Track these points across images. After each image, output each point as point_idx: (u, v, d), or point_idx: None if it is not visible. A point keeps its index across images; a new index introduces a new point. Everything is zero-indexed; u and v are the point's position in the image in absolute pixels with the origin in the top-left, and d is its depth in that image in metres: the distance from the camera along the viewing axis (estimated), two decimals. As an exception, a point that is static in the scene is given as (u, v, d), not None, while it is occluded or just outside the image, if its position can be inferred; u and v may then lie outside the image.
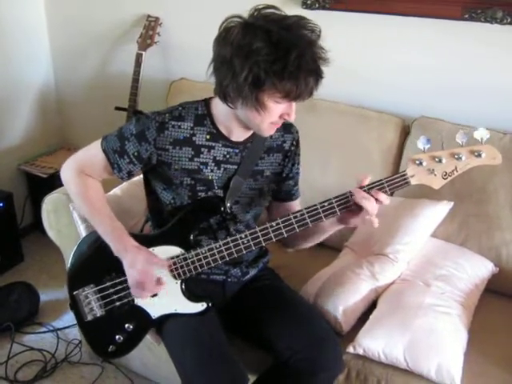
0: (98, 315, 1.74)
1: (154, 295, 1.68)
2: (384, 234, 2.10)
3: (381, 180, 1.50)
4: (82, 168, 1.70)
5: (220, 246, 1.60)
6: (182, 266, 1.64)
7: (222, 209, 1.66)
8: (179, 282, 1.67)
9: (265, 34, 1.37)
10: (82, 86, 3.25)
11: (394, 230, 2.08)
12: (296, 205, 1.85)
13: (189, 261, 1.63)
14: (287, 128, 1.73)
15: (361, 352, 1.77)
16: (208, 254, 1.61)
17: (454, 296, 1.92)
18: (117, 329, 1.73)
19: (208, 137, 1.63)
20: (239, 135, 1.64)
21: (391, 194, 1.52)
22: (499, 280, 2.08)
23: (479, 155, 1.47)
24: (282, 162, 1.76)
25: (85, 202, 1.70)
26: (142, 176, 1.79)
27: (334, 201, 1.53)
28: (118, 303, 1.71)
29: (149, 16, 2.81)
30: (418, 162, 1.48)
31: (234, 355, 1.63)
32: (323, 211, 1.53)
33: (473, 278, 2.01)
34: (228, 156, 1.66)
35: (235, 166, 1.67)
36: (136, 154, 1.62)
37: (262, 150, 1.70)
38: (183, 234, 1.65)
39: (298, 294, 1.89)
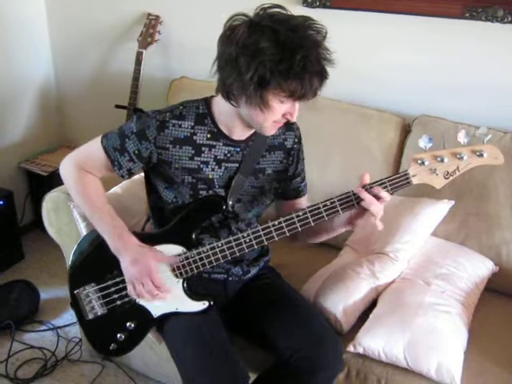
0: (100, 314, 1.74)
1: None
2: (384, 233, 2.09)
3: (383, 179, 1.51)
4: (82, 164, 1.70)
5: (222, 245, 1.60)
6: (183, 265, 1.64)
7: (224, 207, 1.66)
8: (181, 280, 1.67)
9: (271, 33, 1.37)
10: (83, 83, 3.24)
11: (395, 229, 2.08)
12: (304, 201, 1.86)
13: (191, 260, 1.63)
14: (288, 126, 1.73)
15: (361, 351, 1.77)
16: (210, 252, 1.61)
17: (454, 295, 1.92)
18: (118, 327, 1.73)
19: (209, 136, 1.63)
20: (240, 134, 1.64)
21: (392, 194, 1.53)
22: (499, 279, 2.09)
23: (481, 155, 1.47)
24: (285, 160, 1.76)
25: (84, 198, 1.70)
26: (142, 175, 1.79)
27: (336, 200, 1.53)
28: (119, 302, 1.72)
29: (149, 14, 2.81)
30: (420, 161, 1.48)
31: (234, 354, 1.63)
32: (325, 210, 1.53)
33: (473, 277, 2.01)
34: (229, 155, 1.66)
35: (236, 165, 1.67)
36: (136, 152, 1.62)
37: (264, 148, 1.70)
38: (185, 233, 1.65)
39: (299, 292, 1.89)
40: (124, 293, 1.70)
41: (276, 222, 1.56)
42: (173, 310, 1.69)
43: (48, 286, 2.85)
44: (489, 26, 2.15)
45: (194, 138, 1.62)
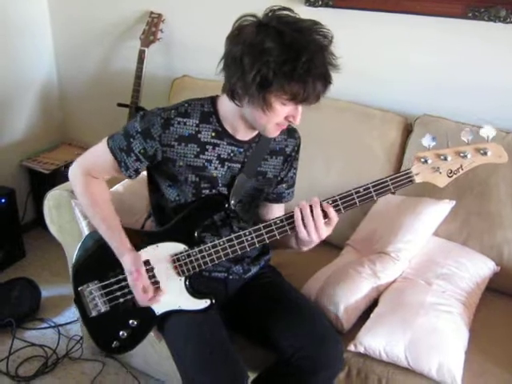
0: (103, 311, 1.74)
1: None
2: (386, 233, 2.10)
3: (385, 178, 1.51)
4: (89, 170, 1.71)
5: (224, 243, 1.60)
6: (185, 263, 1.64)
7: (226, 205, 1.66)
8: (183, 278, 1.67)
9: (277, 34, 1.37)
10: (85, 82, 3.25)
11: (396, 229, 2.08)
12: (280, 209, 1.87)
13: (192, 257, 1.63)
14: (291, 133, 1.74)
15: (362, 350, 1.77)
16: (212, 250, 1.61)
17: (455, 295, 1.92)
18: (121, 325, 1.74)
19: (213, 134, 1.63)
20: (245, 134, 1.65)
21: (394, 192, 1.52)
22: (501, 279, 2.09)
23: (485, 153, 1.46)
24: (282, 165, 1.77)
25: (89, 204, 1.71)
26: (145, 173, 1.79)
27: (338, 198, 1.54)
28: (122, 299, 1.72)
29: (152, 13, 2.81)
30: (423, 159, 1.48)
31: (234, 353, 1.63)
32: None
33: (474, 277, 2.01)
34: (232, 154, 1.66)
35: (238, 165, 1.67)
36: (142, 151, 1.62)
37: (266, 152, 1.71)
38: (188, 231, 1.66)
39: (300, 291, 1.90)
40: (127, 290, 1.70)
41: (277, 220, 1.57)
42: (176, 307, 1.69)
43: (49, 283, 2.85)
44: (491, 26, 2.15)
45: (199, 135, 1.62)
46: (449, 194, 2.09)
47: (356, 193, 1.52)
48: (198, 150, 1.63)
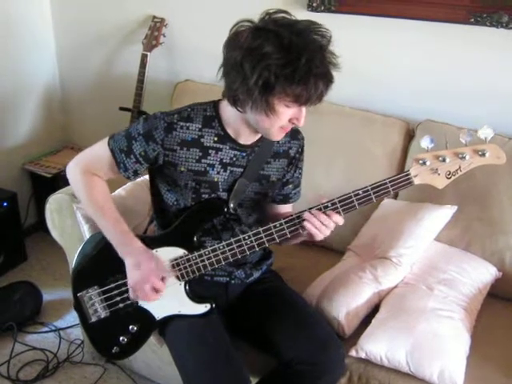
0: (102, 316, 1.74)
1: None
2: (387, 238, 2.10)
3: (384, 180, 1.51)
4: (88, 167, 1.70)
5: (223, 247, 1.60)
6: (185, 268, 1.64)
7: (226, 209, 1.66)
8: (183, 283, 1.67)
9: (276, 38, 1.37)
10: (87, 86, 3.25)
11: (398, 234, 2.08)
12: (288, 208, 1.87)
13: (192, 262, 1.63)
14: (294, 134, 1.74)
15: (363, 356, 1.77)
16: (211, 254, 1.61)
17: (456, 300, 1.91)
18: (121, 330, 1.74)
19: (216, 139, 1.63)
20: (247, 138, 1.64)
21: (395, 196, 1.53)
22: (502, 284, 2.08)
23: (483, 154, 1.46)
24: (286, 167, 1.76)
25: (90, 201, 1.70)
26: (146, 177, 1.79)
27: (337, 201, 1.54)
28: (121, 305, 1.72)
29: (154, 17, 2.81)
30: (421, 161, 1.48)
31: (236, 357, 1.63)
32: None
33: (476, 283, 2.00)
34: (235, 159, 1.66)
35: (241, 169, 1.67)
36: (143, 153, 1.62)
37: (269, 155, 1.70)
38: (187, 236, 1.66)
39: (301, 296, 1.89)
40: (126, 295, 1.70)
41: (277, 224, 1.57)
42: (175, 312, 1.69)
43: (51, 287, 2.85)
44: (494, 32, 2.15)
45: (202, 140, 1.62)
46: (450, 200, 2.09)
47: (355, 195, 1.52)
48: (201, 154, 1.63)
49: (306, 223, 1.54)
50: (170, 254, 1.65)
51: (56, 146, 3.36)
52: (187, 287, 1.68)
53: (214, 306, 1.68)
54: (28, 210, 3.25)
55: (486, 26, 2.15)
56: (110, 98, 3.10)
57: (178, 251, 1.65)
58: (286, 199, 1.84)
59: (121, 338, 1.74)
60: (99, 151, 1.68)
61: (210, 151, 1.63)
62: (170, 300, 1.68)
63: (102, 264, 1.74)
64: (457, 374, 1.67)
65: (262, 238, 1.58)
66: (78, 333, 2.52)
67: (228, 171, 1.66)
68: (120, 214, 1.70)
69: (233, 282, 1.79)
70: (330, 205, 1.53)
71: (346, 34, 2.27)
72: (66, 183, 1.85)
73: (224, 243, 1.60)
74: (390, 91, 2.44)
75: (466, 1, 2.16)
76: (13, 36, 3.00)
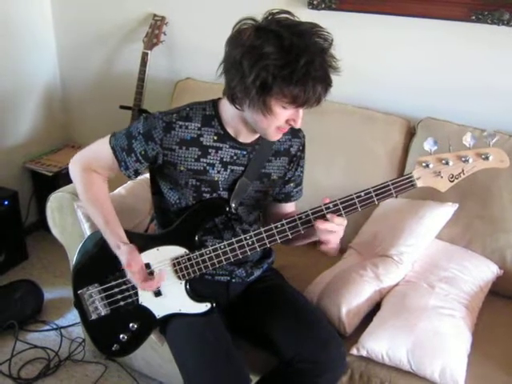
0: (103, 314, 1.74)
1: (159, 295, 1.68)
2: (388, 236, 2.10)
3: (386, 182, 1.50)
4: (89, 164, 1.70)
5: (225, 247, 1.60)
6: (186, 267, 1.64)
7: (227, 209, 1.66)
8: (183, 282, 1.67)
9: (276, 38, 1.37)
10: (88, 84, 3.25)
11: (399, 232, 2.08)
12: (291, 206, 1.86)
13: (193, 261, 1.63)
14: (295, 132, 1.73)
15: (364, 354, 1.77)
16: (212, 254, 1.61)
17: (458, 298, 1.91)
18: (121, 328, 1.74)
19: (215, 138, 1.62)
20: (247, 137, 1.64)
21: (396, 196, 1.52)
22: (503, 282, 2.08)
23: (487, 158, 1.46)
24: (288, 165, 1.76)
25: (88, 198, 1.70)
26: (147, 175, 1.79)
27: (339, 202, 1.53)
28: (122, 303, 1.72)
29: (155, 15, 2.81)
30: (424, 164, 1.48)
31: (237, 356, 1.63)
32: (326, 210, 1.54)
33: (477, 281, 2.00)
34: (235, 157, 1.65)
35: (242, 168, 1.67)
36: (143, 152, 1.62)
37: (270, 153, 1.70)
38: (188, 235, 1.65)
39: (302, 294, 1.89)
40: (127, 294, 1.70)
41: (278, 224, 1.56)
42: (176, 311, 1.69)
43: (52, 285, 2.85)
44: (495, 29, 2.15)
45: (201, 139, 1.62)
46: (452, 198, 2.08)
47: (357, 197, 1.51)
48: (200, 153, 1.62)
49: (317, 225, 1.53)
50: (171, 252, 1.65)
51: (57, 144, 3.36)
52: (188, 286, 1.68)
53: (214, 305, 1.68)
54: (29, 209, 3.25)
55: (487, 23, 2.15)
56: (111, 97, 3.10)
57: (179, 250, 1.65)
58: (287, 197, 1.84)
59: (121, 336, 1.74)
60: (101, 149, 1.69)
61: (209, 150, 1.63)
62: (171, 299, 1.68)
63: (102, 262, 1.73)
64: (458, 372, 1.67)
65: (263, 238, 1.58)
66: (80, 331, 2.52)
67: (228, 170, 1.66)
68: (117, 213, 1.70)
69: (233, 280, 1.79)
70: (331, 206, 1.53)
71: (347, 32, 2.28)
72: (66, 181, 1.86)
73: (225, 243, 1.60)
74: (391, 89, 2.43)
75: (467, -2, 2.16)
76: (13, 36, 3.00)
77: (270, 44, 1.37)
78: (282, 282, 1.90)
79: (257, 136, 1.65)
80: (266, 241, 1.57)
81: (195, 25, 2.79)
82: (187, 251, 1.64)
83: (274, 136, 1.55)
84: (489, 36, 2.19)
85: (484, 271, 2.04)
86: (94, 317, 1.75)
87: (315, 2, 2.43)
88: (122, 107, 2.91)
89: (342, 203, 1.52)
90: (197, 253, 1.63)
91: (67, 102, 3.39)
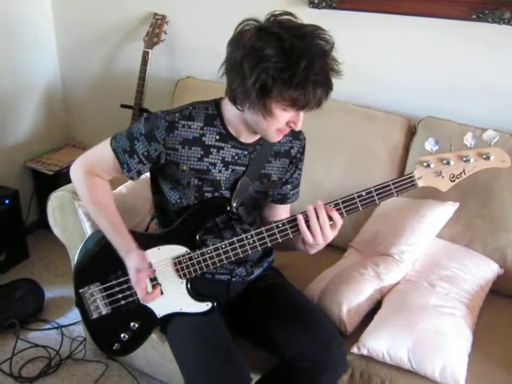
0: (104, 313, 1.74)
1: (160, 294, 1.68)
2: (389, 235, 2.10)
3: (387, 182, 1.50)
4: (91, 167, 1.70)
5: (226, 246, 1.60)
6: (187, 266, 1.64)
7: (228, 208, 1.66)
8: (184, 281, 1.67)
9: (277, 40, 1.36)
10: (88, 83, 3.25)
11: (400, 231, 2.08)
12: (286, 211, 1.86)
13: (194, 260, 1.63)
14: (296, 134, 1.73)
15: (365, 352, 1.77)
16: (214, 253, 1.61)
17: (458, 297, 1.91)
18: (122, 327, 1.74)
19: (217, 137, 1.62)
20: (248, 137, 1.64)
21: (397, 195, 1.52)
22: (504, 281, 2.08)
23: (488, 158, 1.46)
24: (288, 167, 1.76)
25: (91, 203, 1.70)
26: (147, 175, 1.79)
27: (340, 201, 1.53)
28: (123, 302, 1.72)
29: (155, 14, 2.81)
30: (425, 164, 1.48)
31: (238, 355, 1.63)
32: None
33: (478, 279, 2.00)
34: (236, 157, 1.65)
35: (243, 168, 1.67)
36: (145, 153, 1.61)
37: (271, 154, 1.70)
38: (189, 234, 1.65)
39: (303, 293, 1.89)
40: (128, 293, 1.70)
41: (279, 224, 1.56)
42: (177, 310, 1.69)
43: (53, 284, 2.86)
44: (496, 28, 2.15)
45: (203, 138, 1.62)
46: (452, 196, 2.08)
47: (358, 197, 1.51)
48: (202, 153, 1.62)
49: (298, 215, 1.52)
50: (172, 251, 1.65)
51: (57, 143, 3.36)
52: (188, 285, 1.68)
53: (215, 304, 1.68)
54: (30, 208, 3.25)
55: (488, 22, 2.15)
56: (112, 96, 3.10)
57: (181, 249, 1.65)
58: (284, 199, 1.84)
59: (122, 335, 1.74)
60: (102, 152, 1.68)
61: (211, 150, 1.63)
62: (172, 298, 1.68)
63: (103, 261, 1.74)
64: (459, 371, 1.67)
65: (264, 237, 1.57)
66: (80, 330, 2.52)
67: (230, 170, 1.66)
68: (121, 216, 1.70)
69: (234, 279, 1.79)
70: (332, 205, 1.53)
71: (347, 31, 2.29)
72: (67, 181, 1.85)
73: (226, 242, 1.60)
74: (392, 87, 2.43)
75: (467, -3, 2.15)
76: (14, 35, 3.00)
77: (270, 46, 1.36)
78: (282, 281, 1.90)
79: (258, 136, 1.65)
80: (267, 240, 1.57)
81: (196, 23, 2.79)
82: (188, 250, 1.64)
83: (275, 137, 1.55)
84: (489, 35, 2.18)
85: (485, 270, 2.04)
86: (95, 316, 1.75)
87: (316, 1, 2.43)
88: (123, 106, 2.91)
89: (343, 202, 1.52)
90: (198, 252, 1.63)
91: (68, 101, 3.39)
